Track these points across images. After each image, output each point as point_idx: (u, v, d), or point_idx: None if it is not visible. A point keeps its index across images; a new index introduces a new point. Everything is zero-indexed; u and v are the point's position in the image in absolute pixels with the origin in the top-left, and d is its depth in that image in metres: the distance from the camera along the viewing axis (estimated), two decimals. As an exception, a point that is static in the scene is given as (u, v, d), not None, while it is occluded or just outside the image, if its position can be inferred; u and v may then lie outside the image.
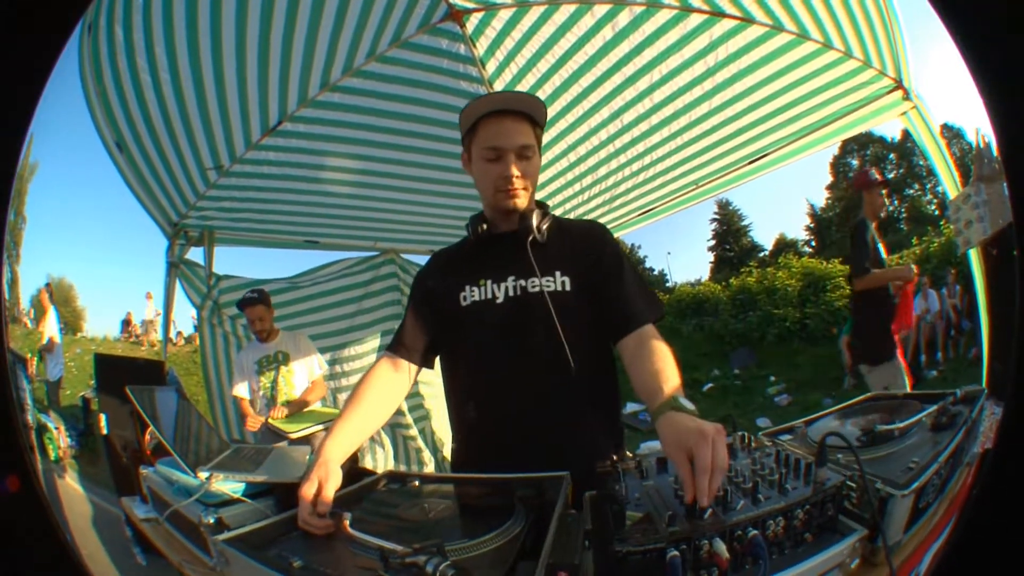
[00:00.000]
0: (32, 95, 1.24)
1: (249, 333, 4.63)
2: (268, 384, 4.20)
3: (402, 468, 5.81)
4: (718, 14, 3.16)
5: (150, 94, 3.23)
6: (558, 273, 1.85)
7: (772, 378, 8.76)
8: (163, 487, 1.89)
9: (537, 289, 1.83)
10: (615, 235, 2.02)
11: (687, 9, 3.15)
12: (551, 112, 3.78)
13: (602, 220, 4.77)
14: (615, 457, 1.43)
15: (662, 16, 3.20)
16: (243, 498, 1.64)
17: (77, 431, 3.09)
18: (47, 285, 3.80)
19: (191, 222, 4.49)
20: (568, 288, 1.84)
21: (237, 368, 4.32)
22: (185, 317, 5.28)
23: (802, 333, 9.18)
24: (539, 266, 1.85)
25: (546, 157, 4.13)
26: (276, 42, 3.12)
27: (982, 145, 2.52)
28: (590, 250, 1.89)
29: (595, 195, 4.64)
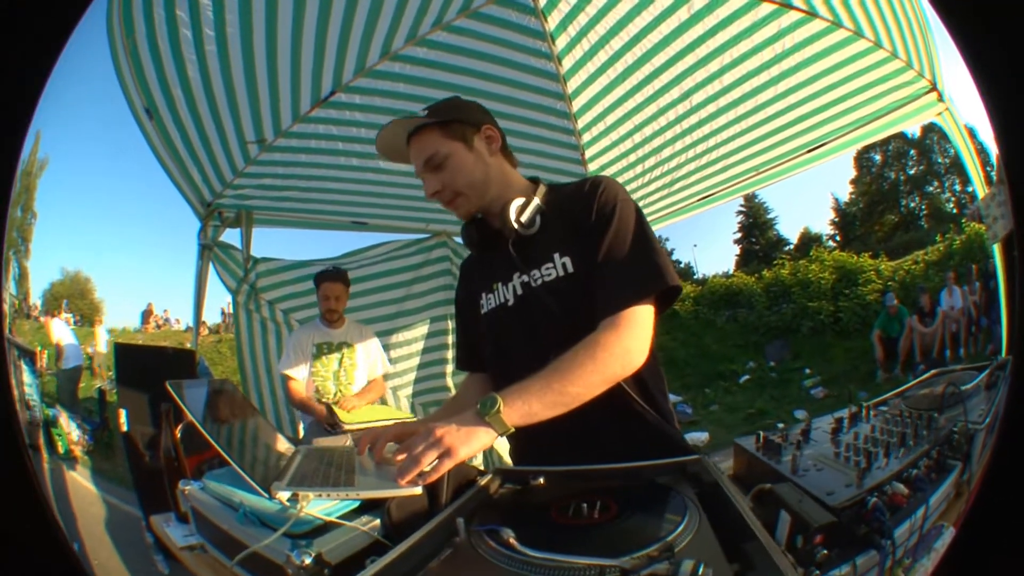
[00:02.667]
0: (34, 93, 1.29)
1: (292, 316, 4.76)
2: (326, 372, 4.07)
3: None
4: (786, 5, 3.28)
5: (190, 52, 3.06)
6: (557, 256, 1.75)
7: (807, 371, 8.90)
8: (217, 511, 1.54)
9: (538, 282, 1.76)
10: (620, 188, 1.80)
11: (786, 4, 3.27)
12: (619, 91, 3.90)
13: (660, 204, 4.94)
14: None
15: (736, 2, 3.30)
16: (341, 521, 1.32)
17: (92, 425, 3.02)
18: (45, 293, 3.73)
19: (227, 201, 4.37)
20: (571, 269, 1.72)
21: (293, 345, 4.10)
22: (209, 306, 5.00)
23: (835, 326, 9.34)
24: (535, 255, 1.78)
25: (611, 137, 4.27)
26: (340, 3, 3.05)
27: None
28: (583, 213, 1.74)
29: (657, 177, 4.64)
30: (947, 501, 1.36)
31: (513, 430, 1.42)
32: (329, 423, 3.64)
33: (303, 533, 1.26)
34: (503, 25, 3.51)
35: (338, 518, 1.31)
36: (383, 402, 4.51)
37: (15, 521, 1.29)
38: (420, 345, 5.79)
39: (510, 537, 1.06)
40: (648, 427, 1.69)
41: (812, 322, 9.41)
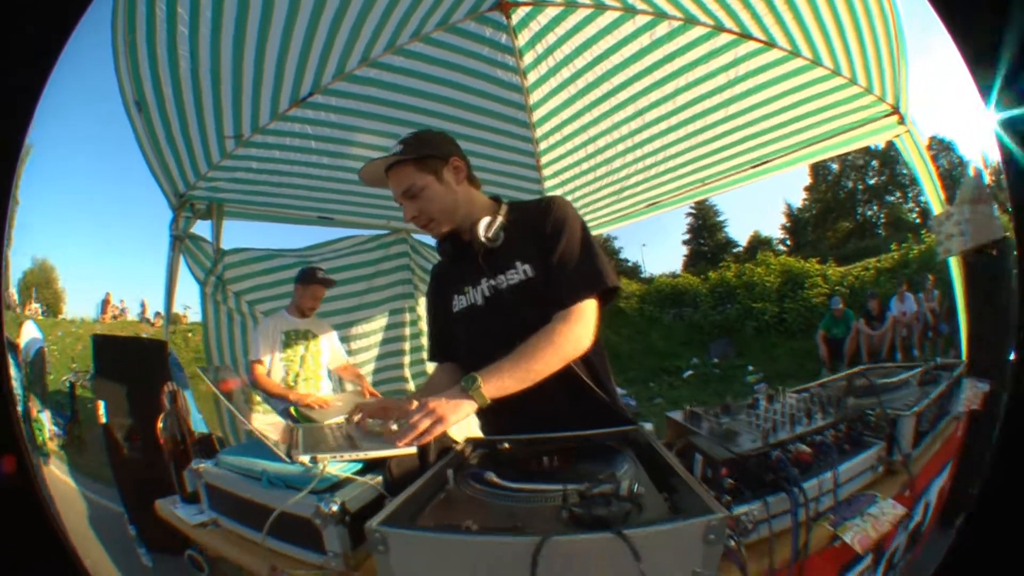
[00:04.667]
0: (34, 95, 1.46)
1: (257, 308, 4.99)
2: (295, 358, 4.35)
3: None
4: (746, 36, 3.64)
5: (184, 48, 3.29)
6: (519, 263, 2.10)
7: (750, 368, 9.26)
8: (237, 483, 1.81)
9: (505, 285, 2.11)
10: (569, 207, 2.18)
11: (719, 28, 3.63)
12: (578, 106, 4.31)
13: (608, 210, 5.37)
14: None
15: (696, 31, 3.67)
16: (355, 476, 1.66)
17: (64, 418, 3.08)
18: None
19: (199, 193, 4.57)
20: (532, 274, 2.08)
21: (262, 334, 4.37)
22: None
23: (780, 327, 9.69)
24: (500, 263, 2.12)
25: (566, 147, 4.66)
26: (331, 8, 3.31)
27: (972, 172, 3.17)
28: (540, 227, 2.10)
29: (607, 185, 5.06)
30: (873, 474, 1.82)
31: (490, 402, 1.78)
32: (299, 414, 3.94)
33: (324, 489, 1.58)
34: (476, 39, 3.86)
35: (351, 475, 1.65)
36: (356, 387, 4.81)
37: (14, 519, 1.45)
38: (379, 337, 6.07)
39: (493, 477, 1.39)
40: (594, 402, 2.07)
41: (756, 322, 9.74)
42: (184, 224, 4.70)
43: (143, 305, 4.65)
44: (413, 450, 1.66)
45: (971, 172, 3.27)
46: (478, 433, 2.06)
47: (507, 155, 4.78)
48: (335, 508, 1.47)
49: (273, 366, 4.32)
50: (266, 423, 2.13)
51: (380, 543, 1.10)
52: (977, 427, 2.25)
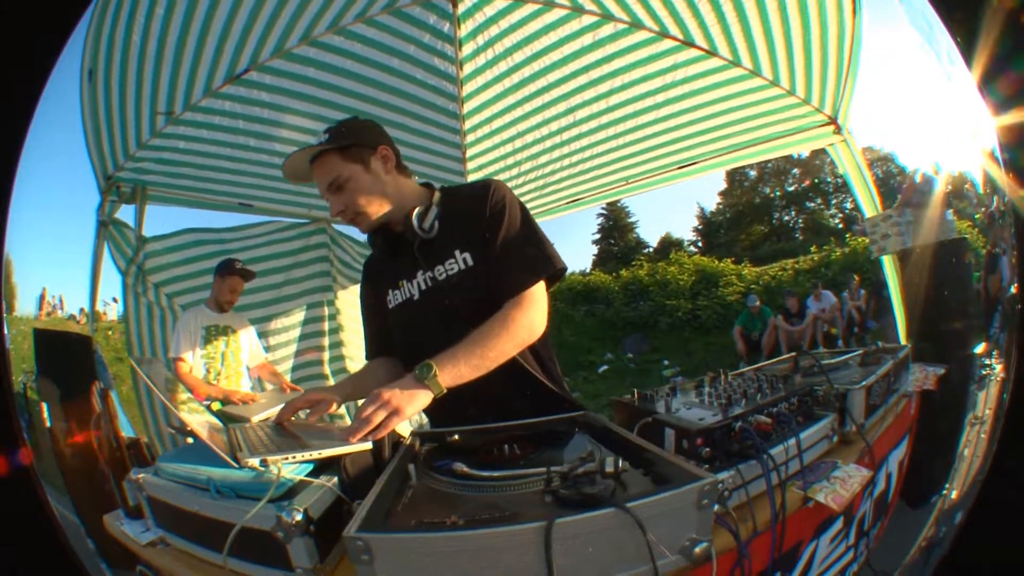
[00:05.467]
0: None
1: (176, 300, 4.73)
2: (215, 354, 4.25)
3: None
4: (688, 43, 3.77)
5: (141, 15, 3.22)
6: (458, 252, 2.09)
7: (666, 362, 9.45)
8: (182, 494, 1.65)
9: (443, 276, 2.09)
10: (507, 189, 2.20)
11: (663, 34, 3.74)
12: (510, 100, 4.32)
13: (529, 205, 5.33)
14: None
15: (640, 35, 3.77)
16: (309, 479, 1.56)
17: (25, 422, 2.77)
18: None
19: (126, 175, 4.31)
20: (471, 263, 2.07)
21: (183, 329, 4.25)
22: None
23: (694, 323, 9.90)
24: (437, 254, 2.11)
25: (493, 140, 4.66)
26: None
27: (919, 180, 3.42)
28: (478, 213, 2.09)
29: (530, 180, 5.03)
30: (829, 444, 2.00)
31: (445, 391, 1.77)
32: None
33: (280, 497, 1.47)
34: (419, 25, 3.83)
35: (305, 477, 1.56)
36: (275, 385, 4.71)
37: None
38: (297, 332, 5.85)
39: (464, 468, 1.40)
40: (542, 389, 2.10)
41: (670, 318, 9.93)
42: (109, 209, 4.40)
43: (60, 299, 4.44)
44: (368, 445, 1.61)
45: (918, 179, 3.52)
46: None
47: (433, 145, 4.74)
48: (299, 517, 1.38)
49: (195, 363, 4.20)
50: (198, 424, 1.90)
51: (363, 552, 1.07)
52: (931, 406, 2.55)
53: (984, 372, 3.16)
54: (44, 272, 3.59)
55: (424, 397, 1.76)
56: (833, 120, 4.23)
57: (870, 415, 2.17)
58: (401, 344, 2.29)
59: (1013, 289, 3.04)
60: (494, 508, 1.24)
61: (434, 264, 2.12)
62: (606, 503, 1.12)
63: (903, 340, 3.85)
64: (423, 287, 2.15)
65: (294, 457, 1.57)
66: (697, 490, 1.14)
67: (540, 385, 2.12)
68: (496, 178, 4.80)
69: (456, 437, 1.80)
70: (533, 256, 2.05)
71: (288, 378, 5.31)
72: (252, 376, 4.57)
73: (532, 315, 1.97)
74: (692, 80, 4.03)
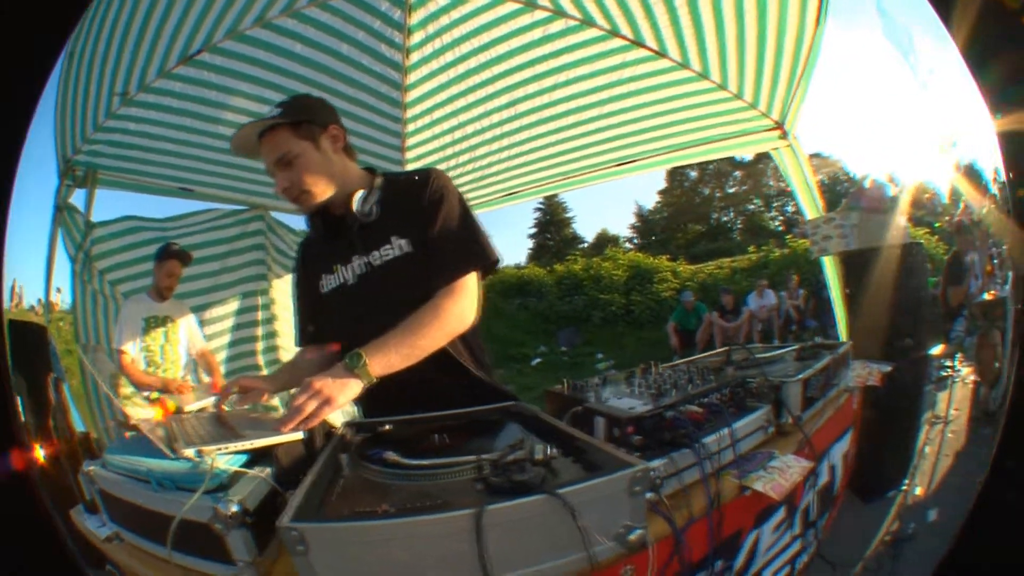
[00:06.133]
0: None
1: (118, 288, 4.52)
2: (155, 347, 4.14)
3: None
4: (639, 44, 3.81)
5: None
6: (395, 238, 2.10)
7: (600, 355, 9.52)
8: (127, 487, 1.64)
9: (379, 262, 2.11)
10: (447, 179, 2.22)
11: (614, 33, 3.77)
12: (454, 90, 4.30)
13: (467, 195, 5.30)
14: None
15: (590, 32, 3.78)
16: (244, 470, 1.51)
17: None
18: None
19: (81, 158, 4.17)
20: (408, 249, 2.09)
21: (125, 319, 4.16)
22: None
23: (627, 318, 9.99)
24: (375, 238, 2.11)
25: (433, 131, 4.64)
26: None
27: (868, 186, 3.52)
28: (417, 200, 2.10)
29: (468, 171, 4.97)
30: (765, 435, 2.04)
31: (376, 380, 1.78)
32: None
33: (216, 488, 1.44)
34: (371, 12, 3.80)
35: (239, 468, 1.52)
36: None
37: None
38: (231, 322, 5.64)
39: (395, 457, 1.40)
40: (472, 379, 2.12)
41: (603, 313, 10.02)
42: (65, 193, 4.25)
43: (21, 290, 4.27)
44: (299, 436, 1.62)
45: (867, 184, 3.61)
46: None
47: (374, 132, 4.69)
48: (235, 509, 1.34)
49: (136, 355, 4.10)
50: (141, 416, 2.00)
51: (298, 542, 1.06)
52: (879, 403, 2.63)
53: (944, 374, 3.31)
54: (16, 262, 3.56)
55: (355, 386, 1.76)
56: (780, 125, 4.31)
57: (808, 408, 2.23)
58: (334, 331, 2.26)
59: (987, 295, 3.20)
60: (426, 496, 1.24)
61: (371, 249, 2.12)
62: (536, 490, 1.14)
63: (843, 339, 3.95)
64: (359, 272, 2.15)
65: (227, 447, 1.55)
66: (628, 477, 1.16)
67: (470, 375, 2.13)
68: (435, 167, 4.92)
69: (388, 427, 1.81)
70: (467, 246, 2.07)
71: (223, 369, 5.16)
72: (192, 364, 4.48)
73: (463, 305, 1.99)
74: (638, 79, 4.07)
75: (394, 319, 1.92)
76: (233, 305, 5.63)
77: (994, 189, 2.78)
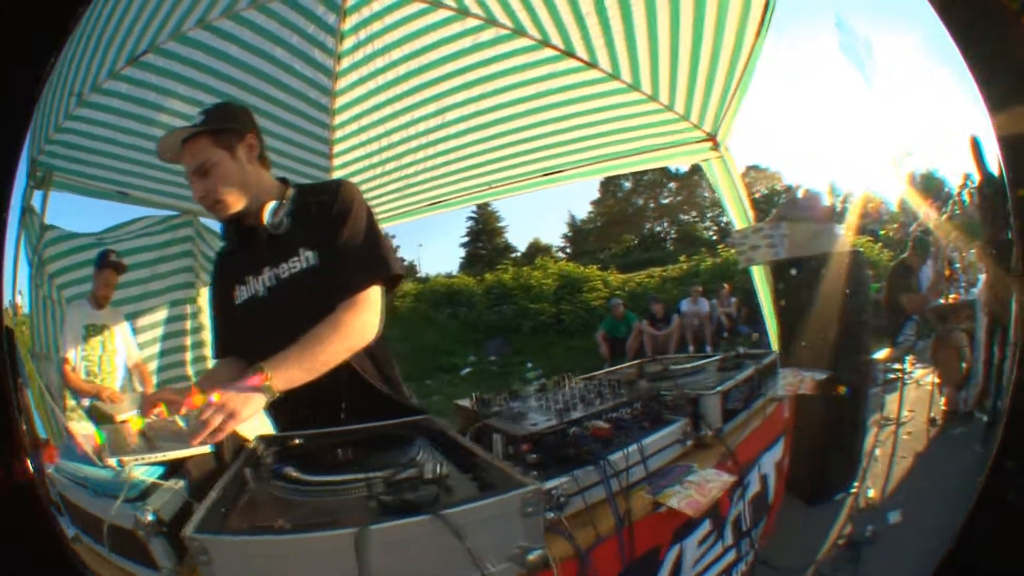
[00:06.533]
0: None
1: (63, 293, 4.38)
2: (94, 356, 4.10)
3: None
4: (569, 54, 3.84)
5: None
6: (302, 250, 2.06)
7: (529, 364, 9.55)
8: (74, 491, 1.74)
9: (287, 275, 2.07)
10: (356, 191, 2.16)
11: (544, 43, 3.79)
12: (382, 97, 4.26)
13: (392, 205, 5.32)
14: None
15: (520, 42, 3.80)
16: (161, 481, 1.58)
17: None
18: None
19: (43, 159, 4.06)
20: (314, 262, 2.05)
21: (68, 327, 4.10)
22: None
23: (557, 327, 10.05)
24: (284, 251, 2.08)
25: (360, 138, 4.60)
26: None
27: (802, 195, 3.57)
28: (324, 213, 2.06)
29: (394, 179, 4.98)
30: (683, 448, 1.99)
31: (279, 394, 1.76)
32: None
33: (136, 497, 1.51)
34: (307, 15, 3.75)
35: (156, 479, 1.58)
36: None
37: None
38: (162, 330, 5.51)
39: (292, 472, 1.40)
40: (378, 394, 2.10)
41: (533, 322, 10.07)
42: (29, 195, 4.12)
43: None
44: (207, 449, 1.62)
45: (800, 194, 3.67)
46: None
47: (302, 138, 4.66)
48: (150, 517, 1.41)
49: (77, 364, 4.03)
50: (74, 423, 2.07)
51: (201, 552, 1.07)
52: (814, 405, 2.61)
53: (892, 376, 3.38)
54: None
55: (259, 400, 1.73)
56: (711, 137, 4.37)
57: (729, 420, 2.20)
58: (247, 343, 2.20)
59: (944, 300, 3.28)
60: (322, 513, 1.24)
61: (280, 261, 2.09)
62: (424, 510, 1.12)
63: (774, 345, 4.05)
64: (268, 284, 2.12)
65: (144, 459, 1.58)
66: (519, 497, 1.15)
67: (374, 389, 2.11)
68: (361, 175, 4.86)
69: (298, 441, 1.79)
70: (370, 259, 2.04)
71: (155, 379, 5.05)
72: (128, 374, 4.41)
73: (364, 318, 1.97)
74: (566, 91, 4.09)
75: (301, 332, 1.89)
76: (163, 313, 5.50)
77: (964, 195, 2.82)
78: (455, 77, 4.07)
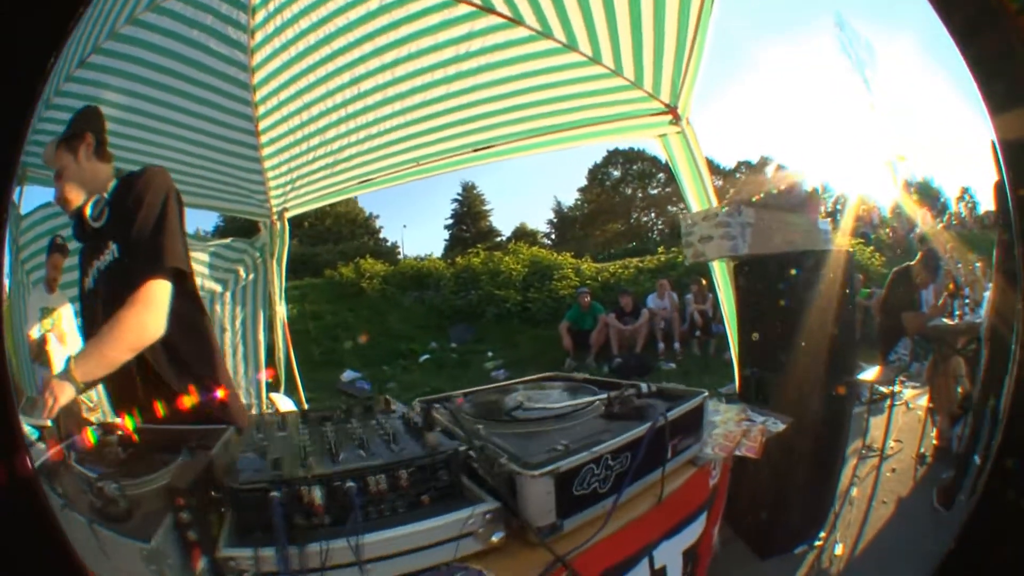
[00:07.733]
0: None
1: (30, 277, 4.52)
2: (47, 336, 4.06)
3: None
4: (516, 21, 3.64)
5: None
6: (111, 243, 2.07)
7: (490, 353, 9.39)
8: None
9: (104, 268, 2.08)
10: (157, 178, 2.11)
11: (487, 8, 3.59)
12: (295, 69, 4.12)
13: (322, 184, 5.31)
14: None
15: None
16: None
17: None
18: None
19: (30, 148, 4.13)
20: (118, 255, 2.05)
21: (29, 308, 4.21)
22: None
23: (523, 315, 9.91)
24: (101, 243, 2.09)
25: (281, 112, 4.48)
26: None
27: (772, 174, 3.15)
28: (123, 204, 2.07)
29: (320, 156, 4.91)
30: (485, 543, 1.30)
31: (84, 385, 1.78)
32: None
33: None
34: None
35: None
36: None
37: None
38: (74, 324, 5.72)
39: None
40: (172, 393, 2.01)
41: (498, 308, 9.95)
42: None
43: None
44: (49, 423, 1.67)
45: (771, 172, 3.29)
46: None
47: (227, 118, 4.57)
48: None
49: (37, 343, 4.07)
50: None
51: None
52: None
53: (877, 396, 3.14)
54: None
55: (69, 390, 1.76)
56: (672, 109, 4.08)
57: (572, 515, 1.43)
58: (91, 332, 2.21)
59: (947, 320, 3.02)
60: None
61: (99, 254, 2.10)
62: None
63: (733, 348, 3.68)
64: (94, 276, 2.14)
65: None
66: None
67: (169, 389, 2.03)
68: (288, 152, 4.76)
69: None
70: (151, 252, 1.99)
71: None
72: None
73: (142, 317, 1.91)
74: (489, 52, 3.87)
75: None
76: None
77: (961, 207, 2.56)
78: (364, 43, 3.90)
